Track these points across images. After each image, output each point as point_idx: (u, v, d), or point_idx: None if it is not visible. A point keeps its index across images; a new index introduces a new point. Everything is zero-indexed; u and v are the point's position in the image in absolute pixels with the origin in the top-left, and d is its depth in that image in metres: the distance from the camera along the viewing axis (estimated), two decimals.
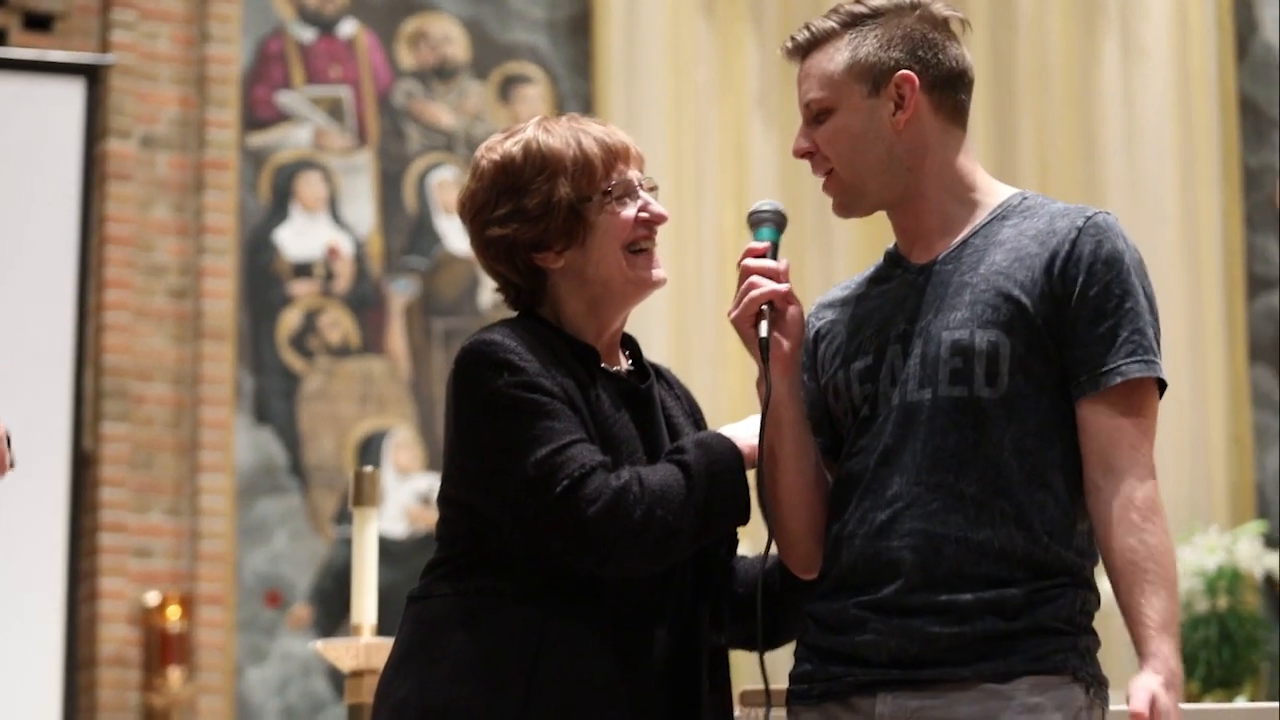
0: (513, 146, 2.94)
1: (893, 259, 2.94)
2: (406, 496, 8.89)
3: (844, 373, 2.88)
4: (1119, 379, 2.75)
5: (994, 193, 2.91)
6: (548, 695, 2.78)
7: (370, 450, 8.90)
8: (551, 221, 2.91)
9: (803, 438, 2.88)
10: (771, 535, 2.87)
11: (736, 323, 2.85)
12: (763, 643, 2.83)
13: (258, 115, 8.99)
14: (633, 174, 2.97)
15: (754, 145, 9.01)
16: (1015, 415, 2.77)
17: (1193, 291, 8.68)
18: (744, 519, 2.89)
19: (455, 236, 9.02)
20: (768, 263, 2.86)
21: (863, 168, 2.87)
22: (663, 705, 2.85)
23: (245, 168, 8.89)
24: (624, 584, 2.84)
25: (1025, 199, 2.89)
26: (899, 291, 2.88)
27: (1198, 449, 8.58)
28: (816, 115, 2.89)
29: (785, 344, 2.83)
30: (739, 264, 2.87)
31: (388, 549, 6.29)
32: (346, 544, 6.12)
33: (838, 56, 2.87)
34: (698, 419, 3.08)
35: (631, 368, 3.02)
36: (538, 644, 2.79)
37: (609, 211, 2.93)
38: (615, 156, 2.95)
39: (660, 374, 3.08)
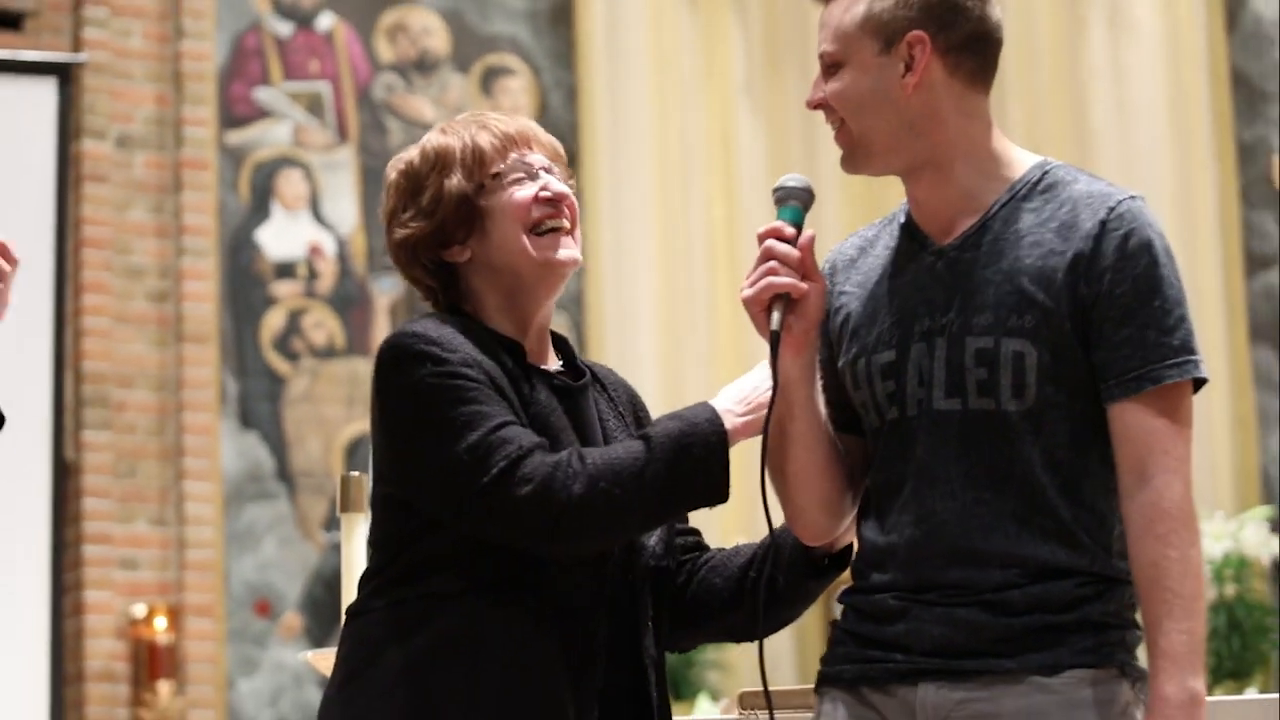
0: (412, 152, 3.02)
1: (911, 234, 2.86)
2: None
3: (865, 364, 2.82)
4: (1150, 385, 2.70)
5: (1015, 164, 2.82)
6: (489, 690, 2.80)
7: (358, 453, 8.92)
8: (446, 214, 2.96)
9: (814, 416, 2.84)
10: (767, 505, 2.83)
11: (747, 304, 2.80)
12: (762, 632, 2.84)
13: (235, 112, 9.14)
14: (533, 157, 3.00)
15: (741, 133, 9.02)
16: (1044, 428, 2.73)
17: (1190, 272, 8.43)
18: (718, 497, 2.85)
19: None
20: (790, 249, 2.79)
21: (870, 128, 2.80)
22: (608, 699, 2.87)
23: (224, 166, 9.03)
24: (558, 577, 2.85)
25: (1046, 173, 2.81)
26: (919, 278, 2.82)
27: (1200, 433, 8.11)
28: (828, 68, 2.82)
29: (799, 326, 2.79)
30: (759, 236, 2.81)
31: None
32: (336, 550, 6.02)
33: (855, 9, 2.79)
34: (641, 422, 3.07)
35: (563, 368, 3.03)
36: (474, 641, 2.81)
37: (503, 195, 2.97)
38: (510, 142, 2.99)
39: (597, 377, 3.08)
